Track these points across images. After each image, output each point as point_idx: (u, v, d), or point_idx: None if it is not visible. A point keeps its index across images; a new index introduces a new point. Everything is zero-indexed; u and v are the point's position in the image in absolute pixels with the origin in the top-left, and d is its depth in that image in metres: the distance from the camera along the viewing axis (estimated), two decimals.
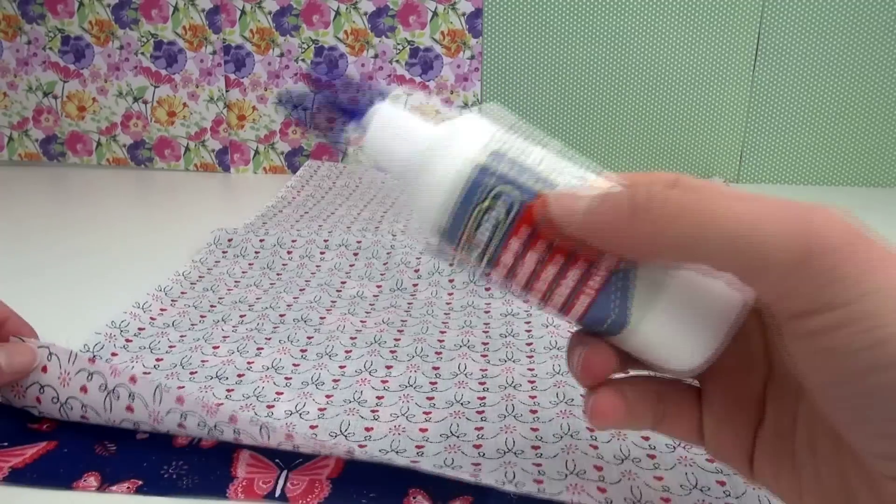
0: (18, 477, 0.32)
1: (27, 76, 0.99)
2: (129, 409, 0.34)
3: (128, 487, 0.32)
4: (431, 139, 0.26)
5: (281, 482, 0.32)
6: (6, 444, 0.34)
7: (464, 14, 0.94)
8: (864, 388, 0.18)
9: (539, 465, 0.33)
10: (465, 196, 0.24)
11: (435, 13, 0.94)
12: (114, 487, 0.32)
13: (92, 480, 0.32)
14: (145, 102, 1.00)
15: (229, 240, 0.63)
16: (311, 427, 0.37)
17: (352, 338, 0.48)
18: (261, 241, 0.63)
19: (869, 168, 0.96)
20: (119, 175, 0.98)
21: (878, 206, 0.86)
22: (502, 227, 0.24)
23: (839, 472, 0.21)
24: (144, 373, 0.42)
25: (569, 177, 0.24)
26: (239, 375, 0.42)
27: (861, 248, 0.19)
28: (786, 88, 0.94)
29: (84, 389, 0.34)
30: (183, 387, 0.40)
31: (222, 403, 0.39)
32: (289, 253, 0.62)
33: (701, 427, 0.26)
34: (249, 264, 0.60)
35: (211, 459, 0.33)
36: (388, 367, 0.43)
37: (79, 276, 0.58)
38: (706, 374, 0.25)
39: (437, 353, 0.45)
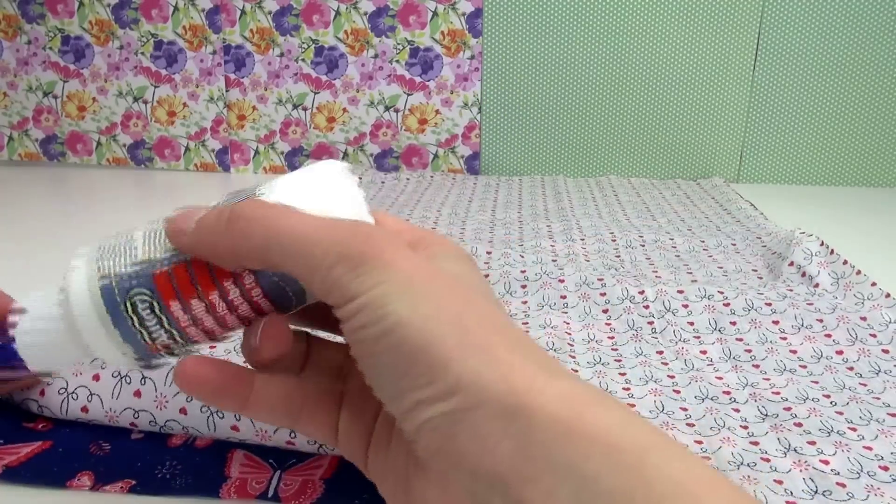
0: (13, 475, 0.32)
1: (27, 76, 0.99)
2: (137, 394, 0.35)
3: (121, 487, 0.32)
4: (50, 324, 0.26)
5: (274, 482, 0.32)
6: (1, 441, 0.34)
7: (464, 14, 0.94)
8: (377, 361, 0.21)
9: None
10: (114, 319, 0.25)
11: (435, 13, 0.94)
12: (107, 487, 0.32)
13: (86, 480, 0.32)
14: (145, 102, 1.00)
15: None
16: None
17: None
18: None
19: (869, 168, 0.96)
20: (119, 175, 0.99)
21: (878, 206, 0.86)
22: (159, 307, 0.25)
23: (403, 453, 0.25)
24: None
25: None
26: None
27: (388, 252, 0.22)
28: (786, 88, 0.94)
29: (96, 377, 0.35)
30: None
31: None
32: None
33: (337, 426, 0.28)
34: None
35: (205, 459, 0.33)
36: None
37: None
38: (349, 374, 0.28)
39: None
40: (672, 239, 0.66)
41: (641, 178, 0.99)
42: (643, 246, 0.64)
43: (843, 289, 0.53)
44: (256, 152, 1.01)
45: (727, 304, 0.49)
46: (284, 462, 0.33)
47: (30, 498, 0.31)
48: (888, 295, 0.50)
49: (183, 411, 0.34)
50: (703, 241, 0.66)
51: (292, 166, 1.01)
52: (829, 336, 0.46)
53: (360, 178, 0.93)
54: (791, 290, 0.51)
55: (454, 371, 0.20)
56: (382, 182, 0.92)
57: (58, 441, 0.35)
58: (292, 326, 0.26)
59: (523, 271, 0.55)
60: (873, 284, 0.52)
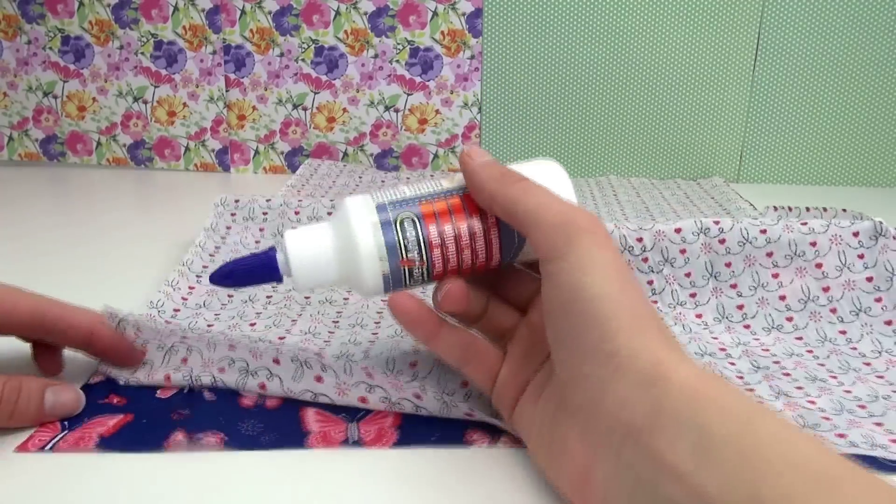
0: (109, 444, 0.33)
1: (27, 76, 0.99)
2: (232, 347, 0.39)
3: (217, 440, 0.33)
4: (333, 239, 0.33)
5: (353, 431, 0.35)
6: (85, 419, 0.35)
7: (464, 14, 0.94)
8: (564, 312, 0.28)
9: None
10: (387, 241, 0.32)
11: (435, 13, 0.94)
12: (203, 437, 0.33)
13: (179, 436, 0.33)
14: (145, 102, 1.00)
15: (236, 200, 0.64)
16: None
17: (378, 312, 0.50)
18: (267, 200, 0.63)
19: (869, 168, 0.96)
20: (119, 175, 0.98)
21: (878, 206, 0.86)
22: (420, 231, 0.32)
23: (553, 405, 0.30)
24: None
25: (431, 185, 0.34)
26: (280, 338, 0.46)
27: (600, 232, 0.28)
28: (786, 88, 0.94)
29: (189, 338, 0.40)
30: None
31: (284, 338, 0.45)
32: (296, 213, 0.62)
33: (497, 374, 0.34)
34: (260, 229, 0.61)
35: (280, 417, 0.36)
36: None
37: (78, 276, 0.58)
38: (515, 338, 0.34)
39: None
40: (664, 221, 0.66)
41: (641, 177, 0.99)
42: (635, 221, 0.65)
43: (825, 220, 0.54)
44: (256, 152, 1.01)
45: (722, 241, 0.50)
46: (355, 415, 0.36)
47: (126, 463, 0.32)
48: (863, 214, 0.53)
49: (276, 361, 0.38)
50: None
51: (292, 166, 1.01)
52: (819, 266, 0.48)
53: (360, 178, 0.93)
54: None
55: (620, 342, 0.26)
56: (382, 181, 0.92)
57: (138, 414, 0.36)
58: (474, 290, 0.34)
59: None
60: (844, 210, 0.55)
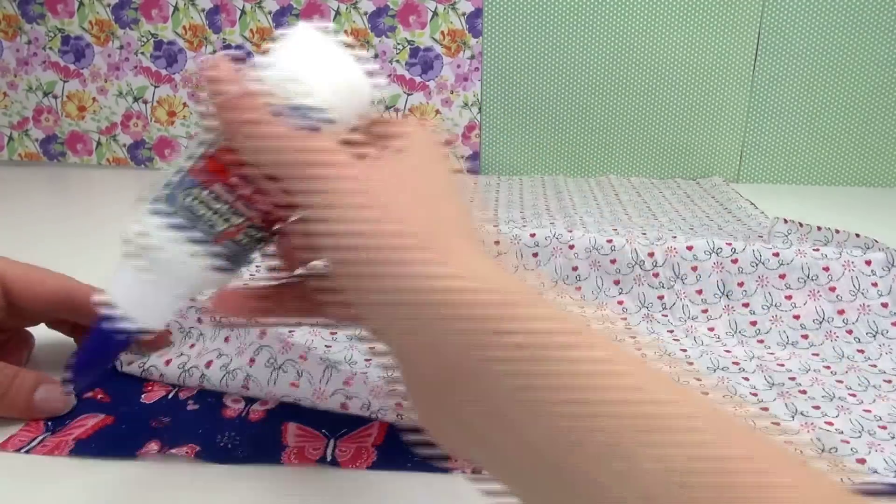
0: (83, 448, 0.33)
1: (27, 76, 0.99)
2: (227, 339, 0.39)
3: (187, 451, 0.33)
4: (141, 269, 0.30)
5: (330, 449, 0.33)
6: (68, 420, 0.35)
7: (464, 14, 0.94)
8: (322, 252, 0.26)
9: None
10: (173, 225, 0.28)
11: (435, 13, 0.94)
12: (174, 450, 0.33)
13: (153, 446, 0.33)
14: (145, 102, 1.00)
15: None
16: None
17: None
18: None
19: (869, 168, 0.96)
20: (119, 175, 0.98)
21: (878, 206, 0.86)
22: (204, 192, 0.28)
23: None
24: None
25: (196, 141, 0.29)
26: (290, 331, 0.44)
27: (336, 162, 0.25)
28: (786, 88, 0.94)
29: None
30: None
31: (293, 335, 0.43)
32: None
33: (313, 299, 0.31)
34: None
35: (261, 430, 0.35)
36: None
37: (79, 276, 0.58)
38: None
39: None
40: (675, 237, 0.66)
41: (641, 177, 0.99)
42: (645, 235, 0.64)
43: (837, 247, 0.54)
44: None
45: (735, 261, 0.49)
46: (336, 431, 0.35)
47: (100, 468, 0.32)
48: (877, 241, 0.52)
49: (251, 362, 0.38)
50: None
51: None
52: (833, 290, 0.47)
53: None
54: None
55: (376, 288, 0.23)
56: None
57: (119, 418, 0.36)
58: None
59: (533, 235, 0.54)
60: (858, 236, 0.53)
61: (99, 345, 0.30)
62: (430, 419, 0.23)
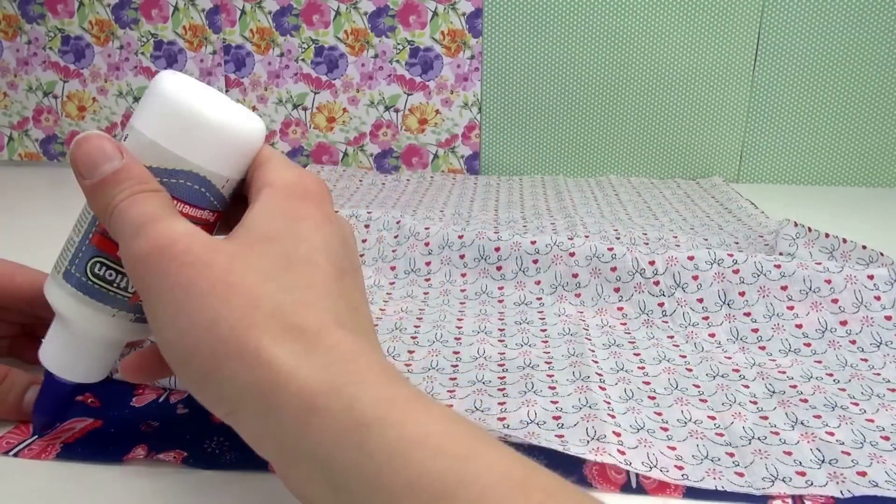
0: (70, 452, 0.33)
1: (27, 76, 0.99)
2: None
3: (174, 457, 0.32)
4: (66, 335, 0.30)
5: None
6: (57, 423, 0.35)
7: (464, 14, 0.94)
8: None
9: (562, 435, 0.34)
10: (88, 293, 0.29)
11: (435, 13, 0.94)
12: (161, 455, 0.32)
13: (140, 451, 0.33)
14: None
15: None
16: None
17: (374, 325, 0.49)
18: None
19: (869, 168, 0.97)
20: None
21: (878, 206, 0.86)
22: (110, 259, 0.28)
23: None
24: None
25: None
26: None
27: (158, 255, 0.24)
28: (786, 88, 0.94)
29: None
30: None
31: None
32: None
33: None
34: None
35: None
36: (411, 352, 0.44)
37: None
38: None
39: (456, 338, 0.46)
40: (676, 237, 0.66)
41: (641, 177, 0.99)
42: (647, 244, 0.64)
43: (842, 259, 0.53)
44: None
45: (736, 272, 0.49)
46: None
47: (86, 472, 0.32)
48: (882, 254, 0.52)
49: None
50: (706, 240, 0.66)
51: None
52: (835, 301, 0.47)
53: (361, 182, 0.93)
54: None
55: (215, 380, 0.23)
56: (383, 184, 0.92)
57: (108, 421, 0.35)
58: None
59: (533, 242, 0.54)
60: (864, 247, 0.53)
61: (52, 392, 0.31)
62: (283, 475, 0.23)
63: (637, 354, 0.44)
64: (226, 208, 0.30)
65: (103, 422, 0.35)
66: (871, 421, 0.36)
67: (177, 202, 0.27)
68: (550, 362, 0.42)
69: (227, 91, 0.99)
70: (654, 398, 0.38)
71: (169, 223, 0.25)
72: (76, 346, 0.30)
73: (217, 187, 0.28)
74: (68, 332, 0.29)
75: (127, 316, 0.29)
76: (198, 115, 0.27)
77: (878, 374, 0.42)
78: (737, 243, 0.65)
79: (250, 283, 0.23)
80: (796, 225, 0.58)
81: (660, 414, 0.37)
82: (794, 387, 0.40)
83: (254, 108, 0.99)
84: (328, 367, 0.22)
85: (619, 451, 0.33)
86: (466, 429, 0.21)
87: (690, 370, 0.42)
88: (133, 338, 0.30)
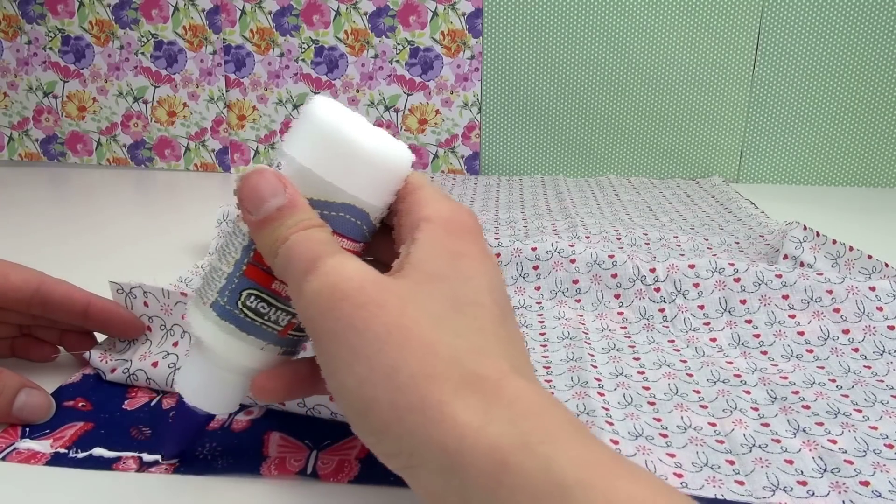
0: (61, 459, 0.33)
1: (27, 76, 0.99)
2: None
3: (165, 469, 0.32)
4: (207, 363, 0.30)
5: (311, 461, 0.33)
6: (47, 430, 0.35)
7: (464, 14, 0.94)
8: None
9: None
10: (239, 326, 0.28)
11: (435, 13, 0.94)
12: (153, 469, 0.32)
13: (131, 463, 0.33)
14: (145, 102, 1.00)
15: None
16: None
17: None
18: None
19: (869, 168, 0.97)
20: (119, 175, 0.98)
21: (878, 206, 0.86)
22: (264, 292, 0.28)
23: None
24: None
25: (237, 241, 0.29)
26: None
27: (335, 305, 0.23)
28: (786, 88, 0.94)
29: (175, 344, 0.38)
30: None
31: None
32: None
33: None
34: None
35: (242, 441, 0.34)
36: None
37: (78, 276, 0.58)
38: None
39: None
40: (676, 237, 0.66)
41: (641, 177, 0.99)
42: (647, 244, 0.64)
43: (846, 267, 0.53)
44: (256, 152, 1.01)
45: (738, 280, 0.49)
46: (320, 443, 0.34)
47: (75, 476, 0.32)
48: (887, 264, 0.51)
49: None
50: (706, 240, 0.66)
51: None
52: (837, 311, 0.46)
53: None
54: (802, 265, 0.52)
55: (394, 433, 0.22)
56: None
57: (99, 424, 0.35)
58: None
59: (534, 248, 0.54)
60: (870, 257, 0.53)
61: (185, 421, 0.31)
62: None
63: (637, 359, 0.44)
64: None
65: (94, 424, 0.35)
66: (875, 428, 0.36)
67: (336, 236, 0.26)
68: (549, 367, 0.42)
69: (227, 91, 0.99)
70: (653, 403, 0.38)
71: (339, 260, 0.24)
72: (218, 377, 0.29)
73: (371, 218, 0.27)
74: (210, 363, 0.29)
75: (275, 349, 0.28)
76: (354, 143, 0.26)
77: (882, 381, 0.41)
78: (737, 243, 0.65)
79: (425, 327, 0.22)
80: (805, 228, 0.57)
81: (659, 420, 0.36)
82: (797, 392, 0.39)
83: (253, 109, 0.99)
84: (516, 422, 0.21)
85: None
86: (679, 499, 0.20)
87: (691, 375, 0.41)
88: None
